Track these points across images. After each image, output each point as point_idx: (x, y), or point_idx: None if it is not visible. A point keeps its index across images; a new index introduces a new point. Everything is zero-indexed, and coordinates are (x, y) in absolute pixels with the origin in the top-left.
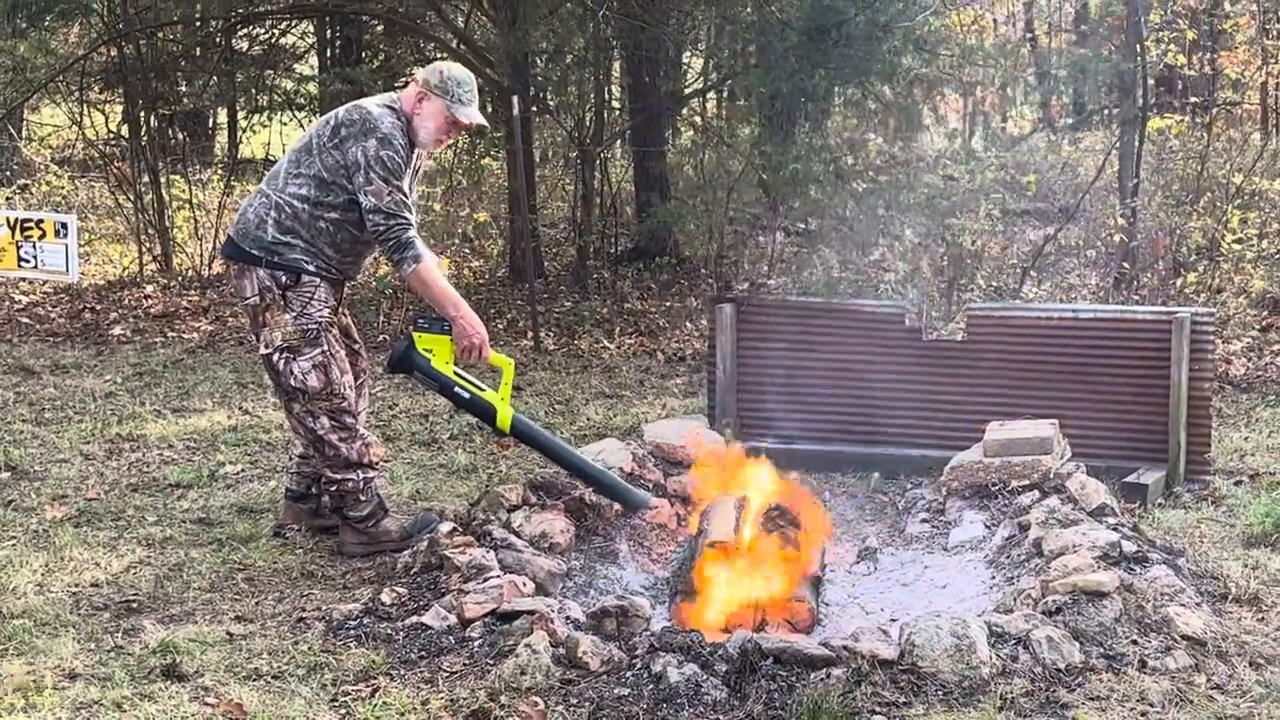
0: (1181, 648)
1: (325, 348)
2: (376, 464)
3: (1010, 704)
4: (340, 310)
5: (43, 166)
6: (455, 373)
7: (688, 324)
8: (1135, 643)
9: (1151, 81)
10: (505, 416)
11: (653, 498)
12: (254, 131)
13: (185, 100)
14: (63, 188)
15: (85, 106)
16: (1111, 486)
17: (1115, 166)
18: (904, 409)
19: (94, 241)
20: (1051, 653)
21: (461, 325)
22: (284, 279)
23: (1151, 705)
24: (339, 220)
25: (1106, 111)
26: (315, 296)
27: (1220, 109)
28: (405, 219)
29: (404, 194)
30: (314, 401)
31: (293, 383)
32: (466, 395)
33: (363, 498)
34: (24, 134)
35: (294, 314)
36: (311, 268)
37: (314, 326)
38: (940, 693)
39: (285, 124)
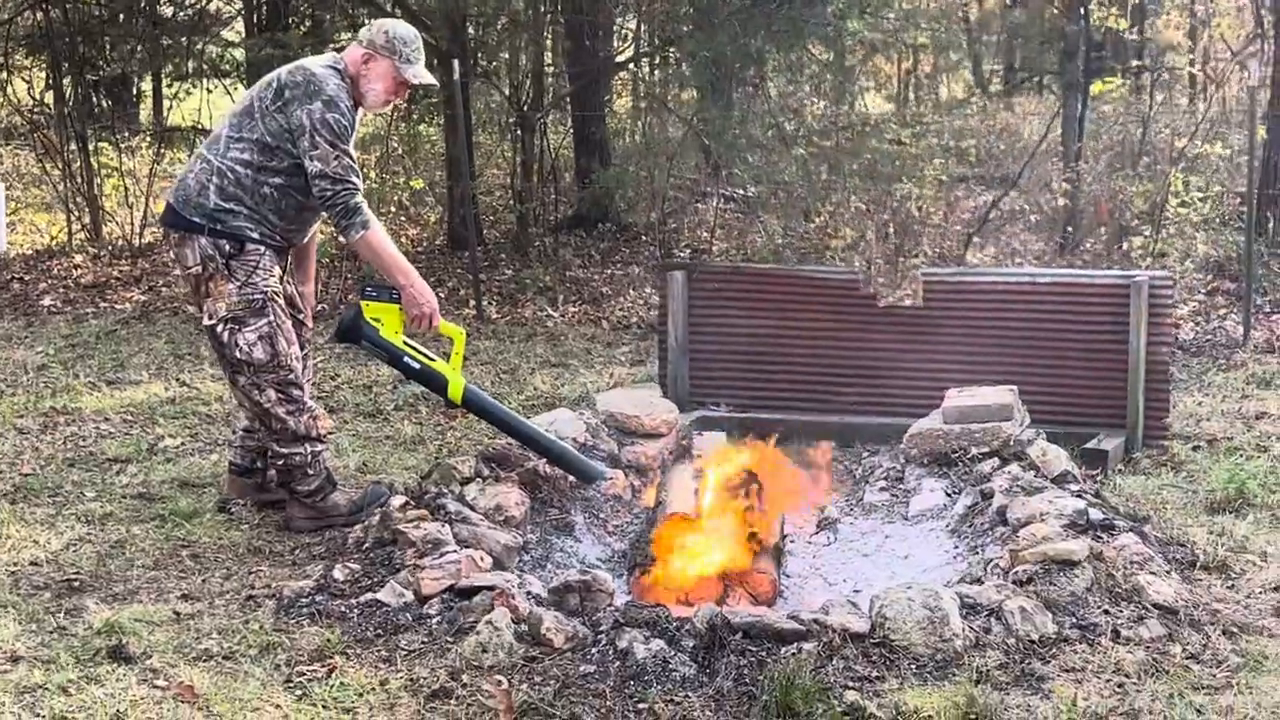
0: (1154, 617)
1: (271, 318)
2: (324, 437)
3: (985, 677)
4: (285, 279)
5: None
6: (405, 342)
7: (631, 291)
8: (1107, 612)
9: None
10: (457, 387)
11: (607, 469)
12: (180, 99)
13: (112, 65)
14: None
15: (8, 73)
16: (1071, 453)
17: (1058, 131)
18: (860, 376)
19: (20, 210)
20: (1025, 624)
21: (411, 294)
22: (227, 247)
23: (1128, 676)
24: (283, 186)
25: (1039, 78)
26: (260, 265)
27: (1160, 73)
28: (353, 184)
29: (351, 158)
30: (260, 374)
31: (238, 354)
32: (417, 365)
33: (310, 471)
34: None
35: (238, 283)
36: (255, 235)
37: (259, 296)
38: (913, 666)
39: (211, 91)
